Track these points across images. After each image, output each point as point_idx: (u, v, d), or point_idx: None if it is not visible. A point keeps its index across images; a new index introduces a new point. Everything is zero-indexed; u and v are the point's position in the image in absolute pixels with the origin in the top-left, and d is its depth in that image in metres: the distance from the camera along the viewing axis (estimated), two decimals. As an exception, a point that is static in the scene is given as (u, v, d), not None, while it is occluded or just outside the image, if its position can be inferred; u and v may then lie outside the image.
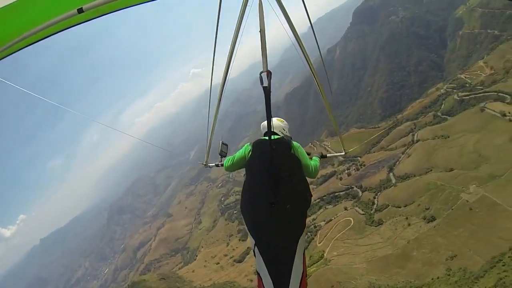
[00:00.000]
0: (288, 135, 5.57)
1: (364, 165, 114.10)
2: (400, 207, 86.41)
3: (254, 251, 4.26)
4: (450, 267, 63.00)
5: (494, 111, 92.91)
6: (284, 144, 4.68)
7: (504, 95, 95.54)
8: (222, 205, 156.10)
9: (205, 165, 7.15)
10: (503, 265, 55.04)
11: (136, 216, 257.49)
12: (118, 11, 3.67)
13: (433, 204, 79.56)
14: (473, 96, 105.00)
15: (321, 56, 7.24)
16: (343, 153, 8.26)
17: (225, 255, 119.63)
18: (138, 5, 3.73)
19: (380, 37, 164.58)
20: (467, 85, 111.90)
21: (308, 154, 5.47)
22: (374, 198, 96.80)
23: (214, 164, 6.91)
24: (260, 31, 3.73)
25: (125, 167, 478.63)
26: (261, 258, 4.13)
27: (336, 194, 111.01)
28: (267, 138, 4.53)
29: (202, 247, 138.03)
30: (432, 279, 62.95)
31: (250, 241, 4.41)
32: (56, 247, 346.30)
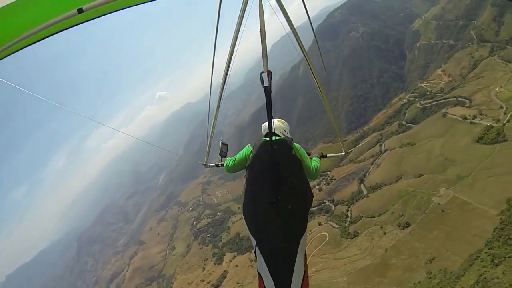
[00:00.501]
0: (289, 136, 5.57)
1: (334, 179, 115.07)
2: (374, 217, 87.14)
3: (255, 251, 4.26)
4: (430, 270, 63.74)
5: (455, 115, 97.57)
6: (285, 145, 4.70)
7: (463, 99, 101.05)
8: (195, 229, 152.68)
9: (205, 165, 7.17)
10: (481, 261, 56.45)
11: (107, 246, 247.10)
12: (118, 11, 3.74)
13: (406, 210, 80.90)
14: (434, 103, 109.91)
15: (321, 56, 7.76)
16: (343, 153, 8.37)
17: (202, 280, 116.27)
18: (138, 5, 3.83)
19: (342, 52, 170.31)
20: (428, 93, 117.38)
21: (308, 154, 5.55)
22: (347, 210, 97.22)
23: (214, 164, 6.88)
24: (260, 31, 3.78)
25: (93, 195, 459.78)
26: (262, 258, 4.15)
27: (309, 210, 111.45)
28: (268, 139, 4.55)
29: (178, 273, 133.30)
30: (414, 284, 63.45)
31: (251, 241, 4.39)
32: (24, 283, 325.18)
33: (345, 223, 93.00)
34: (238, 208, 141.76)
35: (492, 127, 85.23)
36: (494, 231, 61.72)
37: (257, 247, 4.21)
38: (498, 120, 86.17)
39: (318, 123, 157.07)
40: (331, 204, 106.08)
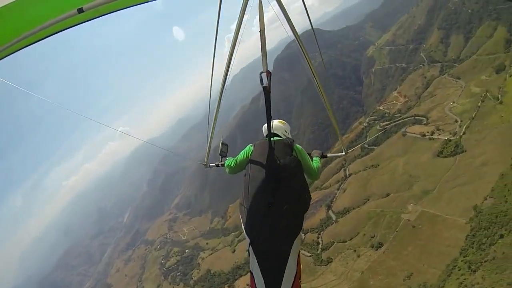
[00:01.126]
0: (290, 137, 5.54)
1: None
2: (346, 241, 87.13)
3: (248, 250, 4.26)
4: (410, 286, 64.20)
5: (414, 133, 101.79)
6: (285, 146, 4.70)
7: (420, 117, 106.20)
8: (164, 268, 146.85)
9: (205, 165, 7.06)
10: (459, 270, 58.06)
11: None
12: (118, 11, 3.75)
13: (377, 231, 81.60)
14: (393, 124, 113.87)
15: (321, 56, 7.85)
16: (344, 153, 8.33)
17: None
18: (138, 5, 3.80)
19: (301, 81, 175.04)
20: (386, 114, 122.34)
21: (308, 154, 5.54)
22: (318, 238, 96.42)
23: (214, 164, 6.85)
24: (260, 31, 3.88)
25: (54, 236, 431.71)
26: (255, 258, 4.15)
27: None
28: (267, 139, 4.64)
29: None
30: (397, 302, 63.19)
31: (245, 240, 4.37)
32: None
33: (317, 250, 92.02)
34: (207, 243, 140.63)
35: (450, 140, 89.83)
36: (466, 239, 63.63)
37: (250, 246, 4.19)
38: (455, 133, 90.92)
39: None
40: (301, 233, 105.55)
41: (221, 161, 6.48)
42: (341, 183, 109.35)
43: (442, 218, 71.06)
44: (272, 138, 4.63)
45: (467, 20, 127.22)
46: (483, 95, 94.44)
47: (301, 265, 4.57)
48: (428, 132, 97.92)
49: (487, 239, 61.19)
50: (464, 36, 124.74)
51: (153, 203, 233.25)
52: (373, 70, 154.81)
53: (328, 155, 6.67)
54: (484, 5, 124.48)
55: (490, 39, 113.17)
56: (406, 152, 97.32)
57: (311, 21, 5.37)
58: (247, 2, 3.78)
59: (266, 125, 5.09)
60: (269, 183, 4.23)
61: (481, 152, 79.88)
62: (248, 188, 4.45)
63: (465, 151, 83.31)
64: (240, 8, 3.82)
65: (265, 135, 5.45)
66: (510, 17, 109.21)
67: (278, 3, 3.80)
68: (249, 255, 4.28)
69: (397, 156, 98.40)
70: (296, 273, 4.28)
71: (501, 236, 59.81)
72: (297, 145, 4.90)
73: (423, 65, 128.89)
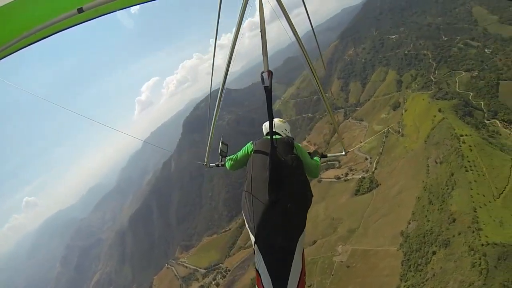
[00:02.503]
0: (290, 135, 5.65)
1: (229, 270, 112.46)
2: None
3: (254, 249, 4.31)
4: None
5: (329, 178, 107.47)
6: (286, 144, 4.81)
7: (332, 162, 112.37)
8: None
9: (205, 165, 7.15)
10: None
11: None
12: (118, 11, 3.80)
13: (313, 279, 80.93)
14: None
15: (320, 55, 8.13)
16: (344, 154, 8.37)
17: None
18: (138, 5, 3.95)
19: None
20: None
21: (309, 153, 5.67)
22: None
23: (214, 164, 6.91)
24: (260, 31, 3.98)
25: None
26: (261, 256, 4.18)
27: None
28: (269, 137, 4.69)
29: None
30: None
31: (251, 238, 4.43)
32: None
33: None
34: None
35: (364, 178, 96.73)
36: (402, 265, 67.01)
37: (255, 245, 4.23)
38: (367, 171, 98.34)
39: (198, 217, 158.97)
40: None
41: (221, 161, 6.57)
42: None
43: (373, 251, 73.66)
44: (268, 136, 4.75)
45: (361, 68, 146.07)
46: (385, 131, 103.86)
47: (305, 262, 4.47)
48: (342, 175, 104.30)
49: (422, 259, 64.99)
50: (360, 82, 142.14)
51: (70, 285, 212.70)
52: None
53: (328, 155, 6.84)
54: (375, 54, 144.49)
55: (384, 82, 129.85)
56: (324, 197, 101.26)
57: (311, 21, 5.93)
58: (247, 2, 3.85)
59: (266, 123, 5.45)
60: (272, 182, 4.25)
61: (395, 182, 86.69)
62: (251, 187, 4.46)
63: (380, 184, 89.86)
64: (240, 8, 3.89)
65: (265, 133, 5.70)
66: (398, 62, 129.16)
67: (278, 3, 3.93)
68: (254, 253, 4.25)
69: (316, 203, 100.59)
70: (302, 270, 4.27)
71: (434, 253, 64.08)
72: (297, 143, 5.00)
73: (327, 113, 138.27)
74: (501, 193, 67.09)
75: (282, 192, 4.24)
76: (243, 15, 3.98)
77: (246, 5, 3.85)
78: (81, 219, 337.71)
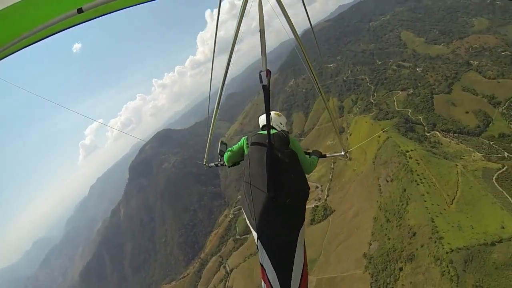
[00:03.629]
0: (285, 129, 5.77)
1: None
2: None
3: (257, 244, 4.36)
4: None
5: None
6: (282, 139, 4.91)
7: None
8: None
9: (205, 165, 7.29)
10: None
11: None
12: (118, 11, 3.90)
13: None
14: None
15: (318, 47, 8.18)
16: (343, 154, 8.72)
17: None
18: (137, 5, 4.01)
19: (159, 185, 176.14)
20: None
21: (308, 153, 6.12)
22: None
23: (214, 164, 7.12)
24: (260, 31, 4.07)
25: None
26: (264, 251, 4.28)
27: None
28: (265, 132, 4.80)
29: None
30: None
31: (253, 234, 4.48)
32: None
33: None
34: None
35: (317, 206, 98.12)
36: (371, 286, 68.36)
37: (258, 240, 4.29)
38: (319, 199, 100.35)
39: (154, 264, 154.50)
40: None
41: (220, 160, 6.62)
42: (225, 281, 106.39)
43: (340, 278, 74.34)
44: (264, 131, 4.92)
45: (303, 99, 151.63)
46: (332, 157, 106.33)
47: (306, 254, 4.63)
48: None
49: (390, 277, 66.58)
50: (303, 112, 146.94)
51: None
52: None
53: (327, 155, 7.05)
54: (314, 86, 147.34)
55: (325, 109, 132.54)
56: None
57: (310, 19, 5.77)
58: (247, 2, 3.86)
59: (262, 116, 5.60)
60: (269, 177, 4.31)
61: (349, 206, 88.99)
62: (249, 183, 4.55)
63: (334, 210, 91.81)
64: (240, 8, 3.92)
65: (261, 126, 5.88)
66: (338, 89, 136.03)
67: (278, 3, 3.92)
68: (258, 248, 4.36)
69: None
70: (304, 262, 4.42)
71: (401, 269, 66.14)
72: (292, 138, 5.12)
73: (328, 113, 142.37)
74: (453, 199, 72.06)
75: (281, 188, 4.33)
76: (243, 15, 4.02)
77: (246, 5, 3.88)
78: (27, 278, 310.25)
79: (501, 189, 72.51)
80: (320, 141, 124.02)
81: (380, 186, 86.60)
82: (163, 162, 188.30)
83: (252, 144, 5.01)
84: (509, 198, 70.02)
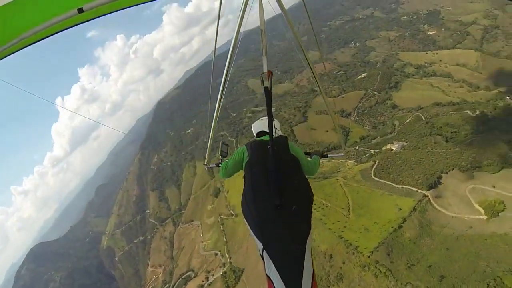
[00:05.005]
0: (281, 134, 5.68)
1: None
2: None
3: (262, 256, 4.15)
4: None
5: None
6: (282, 144, 4.81)
7: (188, 273, 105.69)
8: None
9: (205, 165, 7.42)
10: None
11: None
12: (118, 11, 3.91)
13: None
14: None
15: (310, 19, 7.93)
16: (343, 154, 8.56)
17: None
18: (138, 5, 4.07)
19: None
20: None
21: (309, 153, 6.26)
22: None
23: (214, 164, 7.04)
24: (260, 31, 4.04)
25: None
26: (271, 262, 4.00)
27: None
28: (264, 139, 4.97)
29: None
30: None
31: (257, 245, 4.25)
32: None
33: None
34: None
35: (225, 272, 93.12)
36: None
37: (264, 251, 4.05)
38: (224, 264, 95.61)
39: None
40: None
41: (221, 161, 6.55)
42: None
43: None
44: (263, 137, 5.09)
45: (170, 172, 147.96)
46: (219, 220, 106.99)
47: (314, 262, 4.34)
48: (202, 281, 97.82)
49: None
50: (175, 185, 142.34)
51: None
52: (116, 259, 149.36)
53: (328, 155, 6.92)
54: (178, 153, 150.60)
55: (195, 176, 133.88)
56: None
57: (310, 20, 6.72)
58: (247, 2, 3.84)
59: (256, 123, 5.93)
60: (273, 185, 4.16)
61: (255, 258, 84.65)
62: (251, 192, 4.40)
63: (244, 269, 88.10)
64: (240, 8, 3.92)
65: (256, 133, 5.85)
66: (201, 152, 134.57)
67: (278, 3, 3.94)
68: (263, 259, 4.07)
69: None
70: (313, 272, 4.15)
71: None
72: (291, 142, 4.97)
73: (157, 228, 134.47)
74: (349, 209, 76.21)
75: (285, 195, 4.12)
76: (243, 15, 3.93)
77: (246, 5, 3.80)
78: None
79: (382, 180, 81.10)
80: (201, 208, 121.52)
81: None
82: (47, 283, 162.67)
83: (252, 151, 4.82)
84: (391, 184, 79.21)
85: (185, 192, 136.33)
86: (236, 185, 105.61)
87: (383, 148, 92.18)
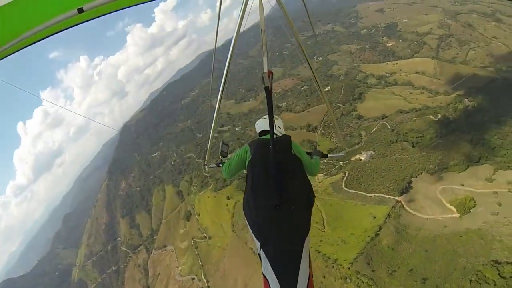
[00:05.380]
0: (284, 133, 5.66)
1: None
2: None
3: (259, 254, 4.20)
4: None
5: None
6: (285, 144, 4.79)
7: None
8: None
9: (206, 165, 7.48)
10: None
11: None
12: (118, 11, 3.89)
13: None
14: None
15: (309, 19, 9.91)
16: (343, 154, 8.86)
17: None
18: (138, 5, 4.10)
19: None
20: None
21: (309, 153, 5.93)
22: None
23: (214, 164, 6.97)
24: (261, 31, 4.12)
25: None
26: (267, 261, 4.07)
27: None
28: (266, 138, 4.90)
29: None
30: None
31: (255, 244, 4.31)
32: None
33: None
34: None
35: None
36: None
37: (261, 250, 4.10)
38: None
39: None
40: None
41: (221, 161, 6.58)
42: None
43: None
44: (265, 136, 5.04)
45: (140, 197, 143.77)
46: (193, 243, 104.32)
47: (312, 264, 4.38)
48: None
49: None
50: (145, 210, 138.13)
51: None
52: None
53: (329, 155, 6.87)
54: (146, 177, 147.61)
55: (165, 199, 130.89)
56: None
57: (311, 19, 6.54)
58: (247, 2, 3.88)
59: (259, 121, 5.86)
60: (273, 185, 4.21)
61: (233, 280, 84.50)
62: (252, 191, 4.42)
63: None
64: (240, 8, 3.97)
65: (258, 132, 5.86)
66: (169, 175, 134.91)
67: (278, 3, 4.07)
68: (260, 258, 4.12)
69: None
70: (309, 273, 4.16)
71: None
72: (294, 142, 4.95)
73: (130, 256, 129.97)
74: (323, 223, 76.84)
75: (285, 195, 4.14)
76: (243, 15, 3.95)
77: (246, 5, 3.81)
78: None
79: (353, 191, 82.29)
80: (173, 233, 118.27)
81: (251, 249, 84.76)
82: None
83: (255, 150, 4.85)
84: (363, 193, 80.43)
85: (156, 217, 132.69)
86: (207, 207, 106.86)
87: (352, 159, 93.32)
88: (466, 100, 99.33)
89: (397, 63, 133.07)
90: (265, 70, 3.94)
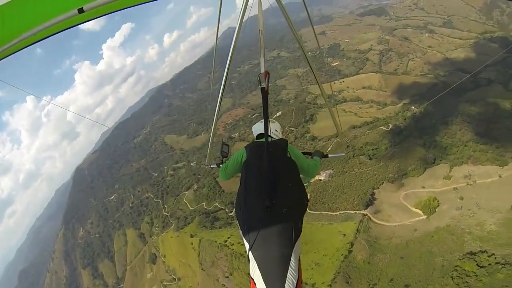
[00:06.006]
0: (281, 136, 5.62)
1: None
2: None
3: (248, 256, 4.18)
4: None
5: None
6: (280, 147, 4.75)
7: None
8: None
9: (206, 165, 7.44)
10: None
11: None
12: (118, 11, 3.91)
13: None
14: None
15: (313, 30, 7.90)
16: (343, 154, 8.52)
17: None
18: (138, 6, 4.08)
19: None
20: None
21: (309, 153, 6.16)
22: None
23: (215, 164, 7.11)
24: (259, 31, 4.15)
25: None
26: (255, 263, 4.01)
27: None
28: (262, 140, 4.73)
29: None
30: None
31: (244, 245, 4.27)
32: None
33: None
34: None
35: None
36: None
37: (250, 251, 4.06)
38: None
39: None
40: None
41: (221, 161, 6.58)
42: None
43: None
44: (262, 139, 4.80)
45: (101, 244, 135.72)
46: (162, 285, 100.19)
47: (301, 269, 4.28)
48: None
49: None
50: (108, 258, 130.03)
51: None
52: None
53: (329, 155, 6.80)
54: (105, 222, 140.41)
55: (127, 244, 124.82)
56: None
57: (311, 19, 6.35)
58: (247, 2, 3.86)
59: (256, 125, 5.84)
60: (266, 187, 4.16)
61: None
62: (244, 192, 4.40)
63: None
64: (240, 8, 3.93)
65: (255, 135, 5.80)
66: (129, 218, 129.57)
67: (278, 3, 3.99)
68: (248, 260, 4.09)
69: None
70: (298, 277, 4.04)
71: None
72: (290, 145, 4.90)
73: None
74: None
75: (277, 198, 4.08)
76: (243, 15, 3.90)
77: (247, 5, 3.80)
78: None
79: (318, 212, 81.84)
80: (140, 278, 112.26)
81: (224, 285, 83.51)
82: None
83: (250, 151, 4.83)
84: (328, 213, 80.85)
85: (120, 263, 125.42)
86: (171, 248, 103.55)
87: (312, 181, 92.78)
88: (413, 107, 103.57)
89: (343, 81, 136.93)
90: (262, 70, 3.95)
